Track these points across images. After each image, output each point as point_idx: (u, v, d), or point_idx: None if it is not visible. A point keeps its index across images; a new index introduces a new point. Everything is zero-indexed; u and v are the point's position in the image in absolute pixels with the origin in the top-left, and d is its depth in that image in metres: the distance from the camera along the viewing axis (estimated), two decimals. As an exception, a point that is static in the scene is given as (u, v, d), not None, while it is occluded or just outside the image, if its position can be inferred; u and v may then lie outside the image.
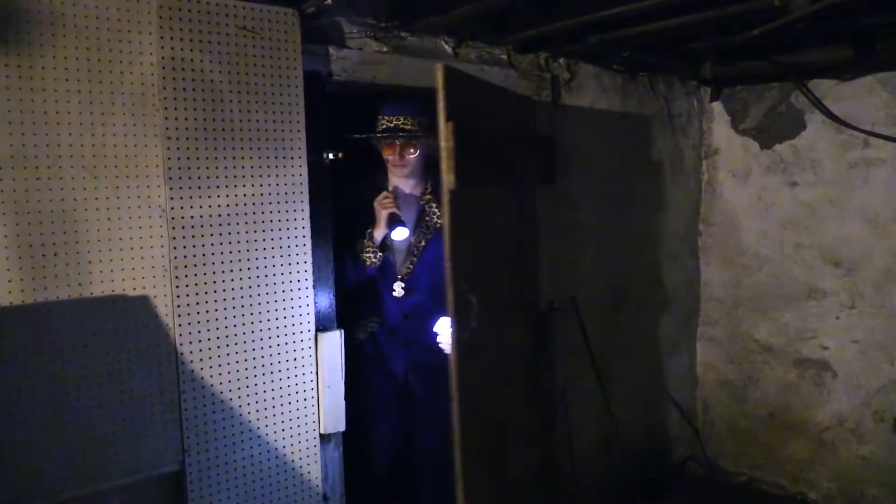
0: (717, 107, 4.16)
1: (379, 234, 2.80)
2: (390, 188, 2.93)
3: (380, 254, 2.81)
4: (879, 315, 3.60)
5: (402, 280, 2.89)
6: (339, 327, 2.53)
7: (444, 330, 2.71)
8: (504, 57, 3.09)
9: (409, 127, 2.82)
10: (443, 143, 2.24)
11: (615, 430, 3.62)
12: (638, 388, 3.91)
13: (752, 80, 3.90)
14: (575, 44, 3.08)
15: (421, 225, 2.92)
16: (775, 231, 3.94)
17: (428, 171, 2.96)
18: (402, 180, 2.94)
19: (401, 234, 2.79)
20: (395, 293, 2.90)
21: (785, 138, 3.87)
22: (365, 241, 2.82)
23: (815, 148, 3.77)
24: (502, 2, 2.55)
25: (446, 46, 2.89)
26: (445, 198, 2.23)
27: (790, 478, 3.96)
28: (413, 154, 2.86)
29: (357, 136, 2.86)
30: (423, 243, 2.90)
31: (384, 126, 2.84)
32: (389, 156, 2.86)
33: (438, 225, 2.88)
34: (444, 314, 2.87)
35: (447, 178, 2.23)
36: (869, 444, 3.67)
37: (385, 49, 2.68)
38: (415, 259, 2.90)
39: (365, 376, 2.90)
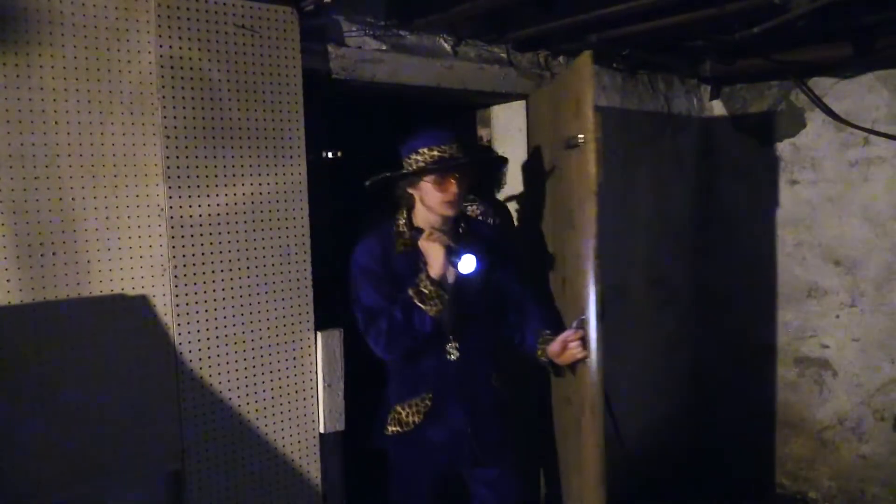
0: (717, 105, 4.15)
1: (438, 271, 2.25)
2: (424, 235, 2.31)
3: (446, 296, 2.27)
4: (880, 313, 3.59)
5: (454, 338, 2.40)
6: (338, 327, 2.52)
7: (575, 335, 2.46)
8: (503, 55, 3.09)
9: (460, 155, 2.37)
10: (591, 136, 2.18)
11: (615, 430, 3.61)
12: (638, 388, 3.90)
13: (751, 78, 3.90)
14: (574, 42, 3.07)
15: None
16: (775, 229, 3.94)
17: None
18: (440, 220, 2.38)
19: (470, 263, 2.26)
20: (449, 356, 2.40)
21: (785, 136, 3.87)
22: (420, 286, 2.25)
23: (815, 146, 3.76)
24: (501, 0, 2.55)
25: (445, 45, 2.89)
26: (594, 191, 2.22)
27: (791, 477, 3.96)
28: (471, 184, 2.42)
29: (390, 174, 2.36)
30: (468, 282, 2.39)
31: (436, 158, 2.33)
32: (443, 192, 2.32)
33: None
34: (492, 365, 2.52)
35: (597, 172, 2.19)
36: (869, 442, 3.67)
37: (384, 47, 2.68)
38: (460, 303, 2.38)
39: (419, 463, 2.46)
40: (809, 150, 3.79)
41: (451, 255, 2.26)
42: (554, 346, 2.45)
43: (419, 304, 2.25)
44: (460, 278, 2.33)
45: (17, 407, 1.92)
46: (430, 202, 2.36)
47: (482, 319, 2.47)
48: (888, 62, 3.39)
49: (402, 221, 2.42)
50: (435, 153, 2.33)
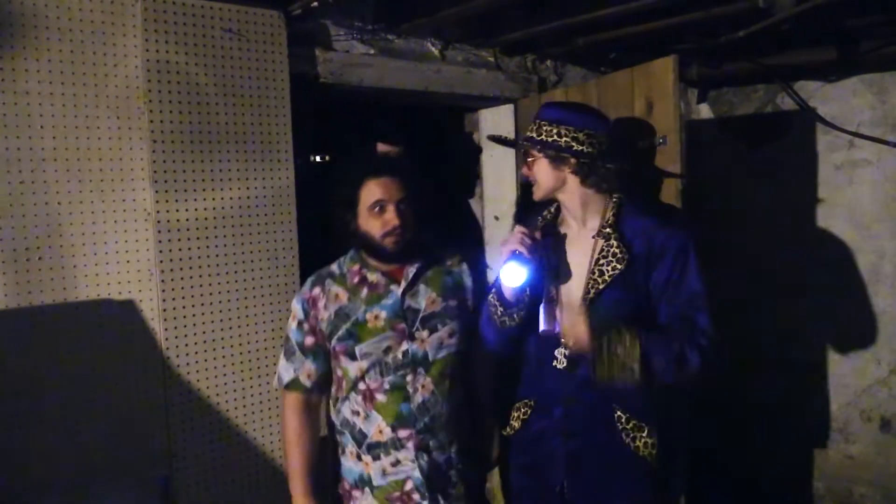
0: (704, 108, 4.17)
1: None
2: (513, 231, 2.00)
3: (508, 320, 1.95)
4: (865, 315, 3.62)
5: (566, 345, 2.00)
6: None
7: None
8: (491, 59, 3.10)
9: (531, 136, 2.06)
10: (676, 136, 2.19)
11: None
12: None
13: (738, 81, 3.92)
14: (562, 46, 3.09)
15: (592, 267, 2.02)
16: (762, 231, 3.96)
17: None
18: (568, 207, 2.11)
19: (513, 274, 1.87)
20: (556, 364, 2.03)
21: (771, 139, 3.89)
22: (490, 294, 2.02)
23: (800, 149, 3.79)
24: (489, 4, 2.56)
25: (433, 48, 2.89)
26: (680, 190, 2.21)
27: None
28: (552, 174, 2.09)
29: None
30: (591, 292, 2.00)
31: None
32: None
33: (616, 269, 1.99)
34: (621, 395, 2.02)
35: (682, 171, 2.18)
36: (857, 443, 3.69)
37: (372, 51, 2.68)
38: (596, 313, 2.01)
39: (509, 483, 2.18)
40: (795, 153, 3.81)
41: (510, 259, 1.88)
42: None
43: (491, 314, 1.98)
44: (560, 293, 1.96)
45: (3, 412, 1.91)
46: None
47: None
48: (873, 66, 3.41)
49: (553, 206, 2.14)
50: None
